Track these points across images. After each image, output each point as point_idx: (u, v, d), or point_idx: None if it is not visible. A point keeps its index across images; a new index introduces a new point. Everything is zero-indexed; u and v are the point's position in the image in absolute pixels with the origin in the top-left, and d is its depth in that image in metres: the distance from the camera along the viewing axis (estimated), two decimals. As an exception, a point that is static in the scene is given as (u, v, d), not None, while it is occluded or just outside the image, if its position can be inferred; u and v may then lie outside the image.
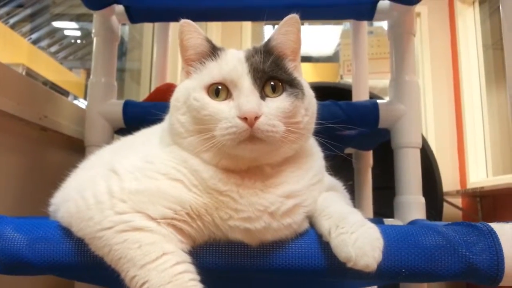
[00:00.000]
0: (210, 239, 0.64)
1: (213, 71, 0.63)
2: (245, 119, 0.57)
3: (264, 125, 0.58)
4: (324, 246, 0.63)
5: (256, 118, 0.57)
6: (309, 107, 0.65)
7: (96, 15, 1.27)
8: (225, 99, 0.62)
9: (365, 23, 1.58)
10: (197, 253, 0.63)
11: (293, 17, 0.66)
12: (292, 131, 0.61)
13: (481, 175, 2.97)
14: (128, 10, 1.28)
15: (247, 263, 0.64)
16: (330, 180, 0.74)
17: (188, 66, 0.67)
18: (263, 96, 0.62)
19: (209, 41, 0.66)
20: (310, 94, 0.67)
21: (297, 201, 0.64)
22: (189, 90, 0.63)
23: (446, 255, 0.62)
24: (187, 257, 0.60)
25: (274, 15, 1.48)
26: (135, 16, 1.31)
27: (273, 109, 0.60)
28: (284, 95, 0.62)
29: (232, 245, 0.64)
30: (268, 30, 4.68)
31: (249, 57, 0.63)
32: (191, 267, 0.59)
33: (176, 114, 0.65)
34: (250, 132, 0.58)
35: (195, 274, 0.59)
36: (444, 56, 3.33)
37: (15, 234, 0.66)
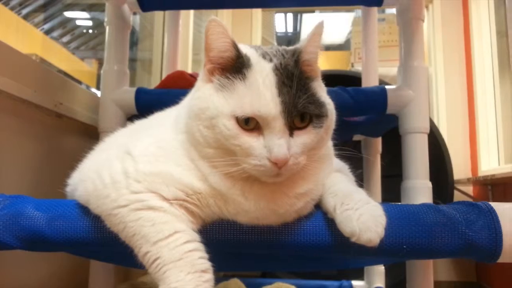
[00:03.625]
0: (218, 220, 0.67)
1: (244, 102, 0.59)
2: (275, 163, 0.58)
3: (290, 166, 0.59)
4: (329, 223, 0.66)
5: (285, 162, 0.58)
6: (330, 126, 0.65)
7: (108, 3, 1.29)
8: (254, 129, 0.60)
9: (375, 10, 1.58)
10: (206, 230, 0.66)
11: (322, 23, 0.63)
12: (311, 159, 0.63)
13: (493, 163, 2.95)
14: (139, -2, 1.31)
15: (254, 240, 0.67)
16: (337, 163, 0.76)
17: (211, 68, 0.64)
18: (291, 130, 0.61)
19: (235, 47, 0.62)
20: (331, 110, 0.65)
21: (307, 199, 0.66)
22: (217, 111, 0.60)
23: (446, 232, 0.64)
24: (197, 236, 0.63)
25: (285, 1, 1.50)
26: (146, 4, 1.33)
27: (299, 146, 0.60)
28: (310, 127, 0.62)
29: (239, 224, 0.66)
30: (279, 19, 4.66)
31: (281, 87, 0.60)
32: (201, 246, 0.62)
33: (197, 124, 0.63)
34: (277, 172, 0.59)
35: (204, 253, 0.62)
36: (456, 43, 3.29)
37: (36, 212, 0.70)
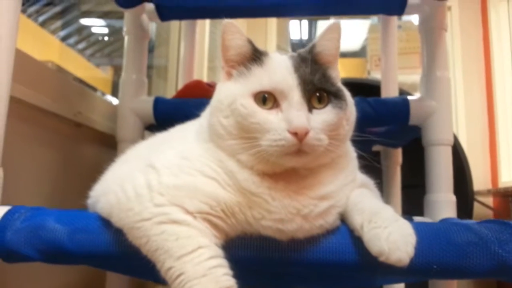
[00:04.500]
0: (242, 234, 0.66)
1: (262, 78, 0.62)
2: (295, 133, 0.58)
3: (312, 140, 0.59)
4: (356, 241, 0.63)
5: (306, 133, 0.58)
6: (350, 117, 0.66)
7: (128, 13, 1.30)
8: (272, 108, 0.61)
9: (395, 18, 1.56)
10: (229, 247, 0.64)
11: (337, 23, 0.67)
12: (333, 143, 0.62)
13: (514, 174, 2.89)
14: (158, 8, 1.31)
15: (278, 257, 0.65)
16: (362, 178, 0.74)
17: (229, 68, 0.67)
18: (309, 107, 0.62)
19: (251, 43, 0.66)
20: (351, 102, 0.67)
21: (331, 202, 0.64)
22: (235, 95, 0.63)
23: (478, 252, 0.61)
24: (221, 252, 0.62)
25: (301, 11, 1.49)
26: (165, 14, 1.33)
27: (320, 123, 0.61)
28: (329, 107, 0.63)
29: (263, 239, 0.65)
30: (294, 26, 4.66)
31: (297, 67, 0.63)
32: (225, 262, 0.61)
33: (218, 116, 0.64)
34: (298, 146, 0.58)
35: (228, 269, 0.60)
36: (476, 51, 3.24)
37: (56, 225, 0.69)
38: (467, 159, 2.30)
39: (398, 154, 1.58)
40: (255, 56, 0.65)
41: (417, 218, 1.13)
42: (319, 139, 0.60)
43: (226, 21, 0.64)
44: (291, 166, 0.62)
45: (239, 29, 0.65)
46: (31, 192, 1.09)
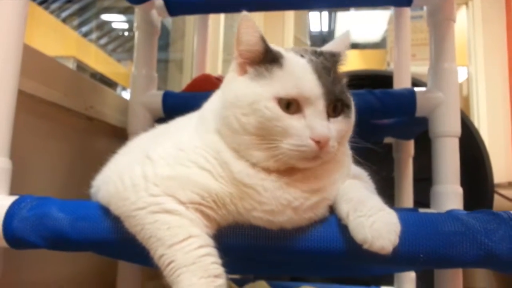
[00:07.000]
0: (233, 223, 0.68)
1: (287, 84, 0.62)
2: (317, 142, 0.60)
3: (330, 148, 0.61)
4: (343, 229, 0.65)
5: (327, 142, 0.61)
6: (353, 122, 0.69)
7: (138, 9, 1.33)
8: (295, 112, 0.62)
9: (407, 9, 1.54)
10: (220, 235, 0.67)
11: (348, 32, 0.71)
12: (338, 148, 0.65)
13: (537, 166, 2.81)
14: (167, 3, 1.33)
15: (268, 246, 0.67)
16: (355, 169, 0.75)
17: (243, 60, 0.66)
18: (327, 117, 0.64)
19: (264, 41, 0.65)
20: (353, 107, 0.69)
21: (322, 196, 0.66)
22: (257, 95, 0.62)
23: (464, 241, 0.62)
24: (211, 241, 0.64)
25: (312, 3, 1.49)
26: (173, 9, 1.35)
27: (335, 131, 0.63)
28: (342, 116, 0.65)
29: (253, 228, 0.67)
30: (313, 17, 4.62)
31: (320, 74, 0.63)
32: (214, 251, 0.63)
33: (235, 112, 0.64)
34: (318, 153, 0.61)
35: (217, 258, 0.63)
36: (498, 40, 3.15)
37: (60, 214, 0.73)
38: (487, 151, 2.25)
39: (409, 146, 1.57)
40: (269, 56, 0.65)
41: (423, 210, 1.12)
42: (334, 146, 0.62)
43: (243, 13, 0.64)
44: (303, 167, 0.64)
45: (254, 24, 0.64)
46: (45, 184, 1.13)
